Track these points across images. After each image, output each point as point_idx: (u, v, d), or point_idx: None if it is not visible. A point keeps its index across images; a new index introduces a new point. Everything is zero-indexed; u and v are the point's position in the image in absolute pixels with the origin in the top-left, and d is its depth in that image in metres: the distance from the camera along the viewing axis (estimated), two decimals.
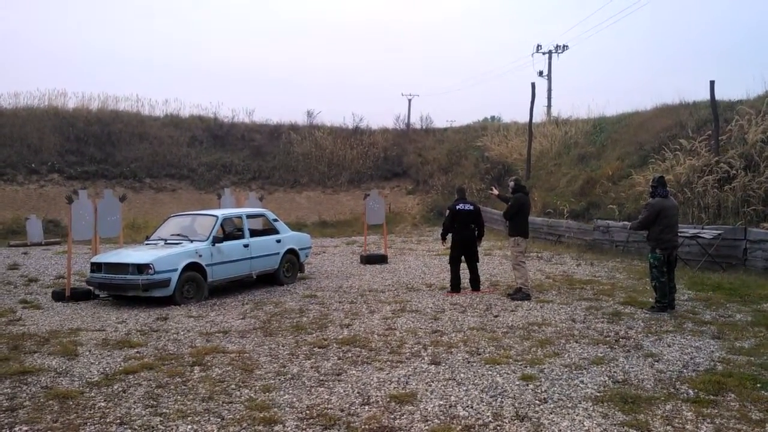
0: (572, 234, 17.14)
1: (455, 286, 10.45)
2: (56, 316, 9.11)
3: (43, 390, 5.63)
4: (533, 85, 24.31)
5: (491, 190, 11.71)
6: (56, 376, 6.07)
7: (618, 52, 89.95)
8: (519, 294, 9.77)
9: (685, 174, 15.41)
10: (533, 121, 24.74)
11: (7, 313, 9.34)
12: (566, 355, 6.56)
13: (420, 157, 31.27)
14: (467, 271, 10.56)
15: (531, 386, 5.57)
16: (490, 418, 4.83)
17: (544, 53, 39.08)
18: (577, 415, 4.88)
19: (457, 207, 10.53)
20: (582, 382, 5.69)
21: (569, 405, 5.10)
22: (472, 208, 10.57)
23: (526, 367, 6.16)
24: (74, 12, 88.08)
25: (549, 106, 37.05)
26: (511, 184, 10.47)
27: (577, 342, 7.11)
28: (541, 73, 38.80)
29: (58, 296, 10.49)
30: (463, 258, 10.53)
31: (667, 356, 6.48)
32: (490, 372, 6.00)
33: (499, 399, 5.26)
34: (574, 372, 5.98)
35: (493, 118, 36.97)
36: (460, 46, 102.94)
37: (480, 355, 6.62)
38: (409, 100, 40.68)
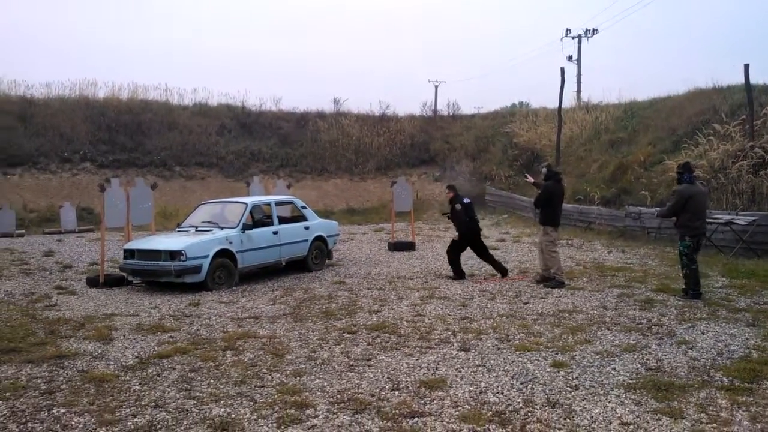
0: (603, 220, 16.92)
1: (461, 273, 10.60)
2: (91, 302, 9.30)
3: (79, 373, 5.77)
4: (562, 70, 23.91)
5: (526, 177, 11.63)
6: (92, 360, 6.21)
7: (649, 36, 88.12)
8: (553, 282, 9.62)
9: (719, 159, 15.09)
10: (563, 106, 24.39)
11: (43, 298, 9.56)
12: (598, 342, 6.50)
13: (447, 143, 31.08)
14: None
15: (562, 373, 5.54)
16: (521, 405, 4.82)
17: (573, 37, 38.36)
18: (609, 402, 4.84)
19: (465, 200, 10.78)
20: (614, 369, 5.64)
21: (601, 392, 5.07)
22: (470, 201, 11.03)
23: (557, 353, 6.13)
24: (104, 2, 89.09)
25: (579, 91, 36.44)
26: (544, 170, 10.26)
27: (608, 329, 7.05)
28: (570, 58, 38.13)
29: (93, 282, 10.70)
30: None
31: (700, 343, 6.38)
32: (520, 359, 5.98)
33: (530, 385, 5.24)
34: (606, 359, 5.93)
35: (521, 103, 36.46)
36: (488, 31, 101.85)
37: (510, 341, 6.60)
38: (436, 87, 40.38)
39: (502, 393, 5.08)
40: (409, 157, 30.95)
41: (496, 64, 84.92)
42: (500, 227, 19.51)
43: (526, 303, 8.51)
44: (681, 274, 8.91)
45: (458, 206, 10.71)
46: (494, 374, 5.54)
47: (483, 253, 10.77)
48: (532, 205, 10.37)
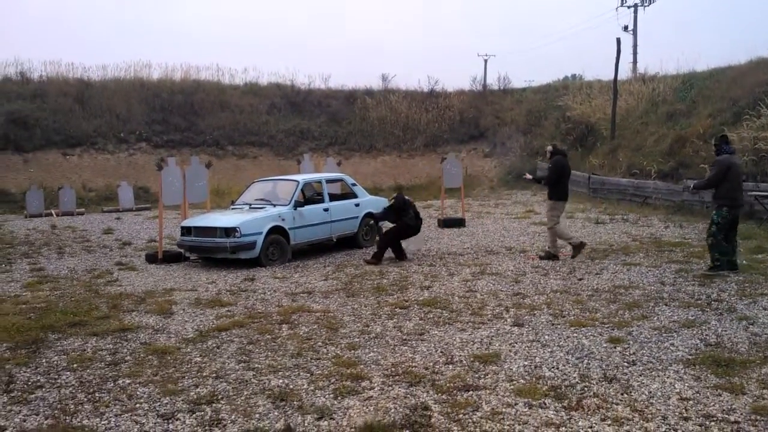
0: (660, 195, 16.45)
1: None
2: (150, 277, 9.61)
3: (142, 346, 5.98)
4: (618, 41, 23.25)
5: (525, 176, 11.74)
6: (154, 333, 6.43)
7: (708, 3, 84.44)
8: (546, 254, 9.89)
9: None
10: (618, 78, 23.74)
11: (105, 274, 9.93)
12: (655, 318, 6.37)
13: (497, 118, 30.66)
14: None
15: (619, 349, 5.46)
16: (576, 380, 4.78)
17: (629, 7, 37.06)
18: (667, 378, 4.75)
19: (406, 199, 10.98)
20: (672, 345, 5.52)
21: (659, 367, 4.98)
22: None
23: (613, 329, 6.03)
24: None
25: (635, 62, 35.30)
26: (549, 148, 10.47)
27: (666, 305, 6.89)
28: (626, 28, 36.87)
29: (151, 258, 11.05)
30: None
31: (762, 319, 6.18)
32: (575, 334, 5.91)
33: (586, 361, 5.18)
34: (664, 335, 5.81)
35: (574, 76, 35.55)
36: (539, 1, 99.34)
37: (564, 317, 6.52)
38: (485, 61, 39.60)
39: (558, 368, 5.04)
40: (458, 133, 30.71)
41: (547, 36, 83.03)
42: None
43: (580, 279, 8.38)
44: (706, 244, 8.62)
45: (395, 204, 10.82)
46: (549, 349, 5.50)
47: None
48: (544, 184, 10.42)
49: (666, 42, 67.43)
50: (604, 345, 5.58)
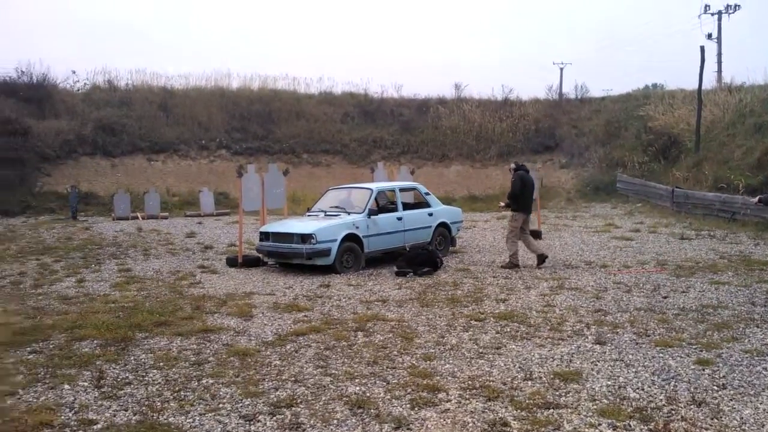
0: (749, 211, 15.64)
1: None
2: (231, 281, 9.89)
3: (224, 347, 6.15)
4: (702, 49, 22.35)
5: (500, 204, 11.72)
6: (235, 334, 6.60)
7: None
8: (508, 264, 10.46)
9: None
10: (702, 87, 22.78)
11: (188, 276, 10.28)
12: (746, 341, 6.06)
13: (575, 128, 29.94)
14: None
15: (707, 371, 5.22)
16: (663, 402, 4.59)
17: (712, 14, 35.48)
18: (761, 404, 4.52)
19: None
20: (765, 369, 5.24)
21: (751, 392, 4.73)
22: None
23: (701, 351, 5.77)
24: None
25: (719, 71, 33.78)
26: (512, 165, 11.17)
27: (758, 327, 6.54)
28: (710, 36, 35.33)
29: (232, 262, 11.37)
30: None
31: None
32: (661, 354, 5.69)
33: (673, 383, 4.98)
34: (756, 358, 5.52)
35: (655, 85, 34.34)
36: (617, 8, 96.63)
37: (649, 336, 6.28)
38: (561, 69, 38.81)
39: (643, 389, 4.86)
40: (533, 143, 30.17)
41: (626, 45, 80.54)
42: (633, 217, 18.59)
43: (665, 297, 8.05)
44: None
45: None
46: (633, 369, 5.31)
47: None
48: (507, 198, 10.88)
49: (752, 51, 64.18)
50: (692, 367, 5.34)
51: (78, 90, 29.70)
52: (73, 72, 31.20)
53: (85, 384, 5.15)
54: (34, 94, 26.52)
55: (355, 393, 4.84)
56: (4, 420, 4.45)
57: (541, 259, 10.53)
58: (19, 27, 72.00)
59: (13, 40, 66.19)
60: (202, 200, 22.32)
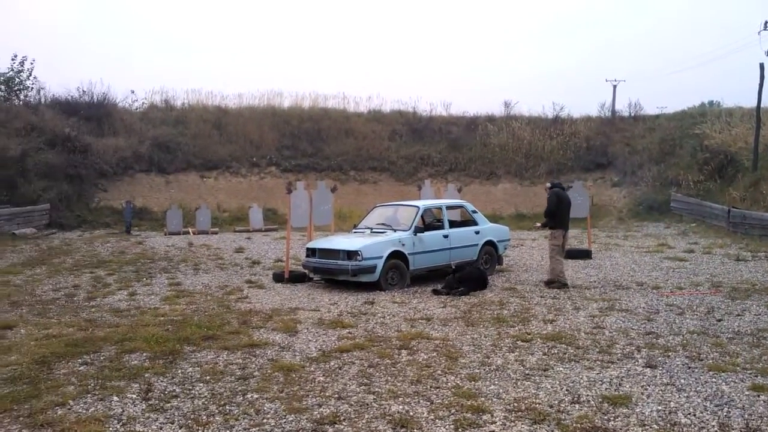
0: None
1: None
2: (277, 296, 10.00)
3: (269, 362, 6.20)
4: (761, 66, 21.69)
5: (536, 225, 12.15)
6: (280, 350, 6.65)
7: None
8: (556, 284, 10.26)
9: None
10: (762, 105, 22.05)
11: (236, 291, 10.45)
12: None
13: (628, 146, 29.29)
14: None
15: (763, 397, 5.01)
16: (716, 428, 4.43)
17: None
18: None
19: None
20: None
21: None
22: None
23: (756, 376, 5.54)
24: (287, 15, 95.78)
25: None
26: (548, 184, 11.27)
27: None
28: None
29: (278, 278, 11.51)
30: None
31: None
32: (714, 379, 5.48)
33: (726, 409, 4.79)
34: None
35: (711, 103, 33.44)
36: (672, 25, 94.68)
37: (702, 360, 6.06)
38: (614, 86, 38.19)
39: (695, 415, 4.68)
40: (584, 161, 29.65)
41: (682, 61, 78.79)
42: (688, 237, 18.03)
43: (719, 320, 7.76)
44: None
45: None
46: (685, 394, 5.12)
47: None
48: (544, 215, 10.91)
49: None
50: (746, 393, 5.13)
51: (136, 109, 30.79)
52: (132, 92, 32.44)
53: (134, 396, 5.26)
54: (94, 113, 27.59)
55: (398, 412, 4.81)
56: (54, 430, 4.58)
57: (551, 283, 10.36)
58: (83, 50, 75.25)
59: (78, 65, 69.32)
60: (252, 216, 22.72)
